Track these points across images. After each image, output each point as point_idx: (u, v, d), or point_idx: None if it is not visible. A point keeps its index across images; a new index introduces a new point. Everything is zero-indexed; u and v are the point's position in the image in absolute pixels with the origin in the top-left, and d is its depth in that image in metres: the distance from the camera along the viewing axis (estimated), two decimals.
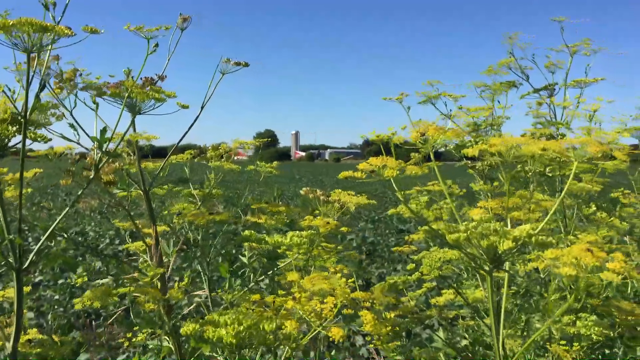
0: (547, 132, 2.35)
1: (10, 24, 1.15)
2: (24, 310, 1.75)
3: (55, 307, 5.49)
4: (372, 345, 1.41)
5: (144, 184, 1.84)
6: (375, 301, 1.27)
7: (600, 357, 1.96)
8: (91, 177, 1.45)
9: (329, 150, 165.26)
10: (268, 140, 2.84)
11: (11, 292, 1.55)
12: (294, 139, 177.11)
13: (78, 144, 1.50)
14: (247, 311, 1.25)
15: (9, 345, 1.32)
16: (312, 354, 3.30)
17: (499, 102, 2.46)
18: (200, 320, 1.12)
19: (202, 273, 2.13)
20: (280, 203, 2.17)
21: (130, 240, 2.17)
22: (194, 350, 1.77)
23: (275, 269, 1.82)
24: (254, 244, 1.61)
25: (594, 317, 1.64)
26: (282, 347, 1.17)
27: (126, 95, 1.45)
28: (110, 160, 1.54)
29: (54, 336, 1.59)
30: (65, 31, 1.21)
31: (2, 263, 1.28)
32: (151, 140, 1.95)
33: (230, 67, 1.69)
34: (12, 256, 1.28)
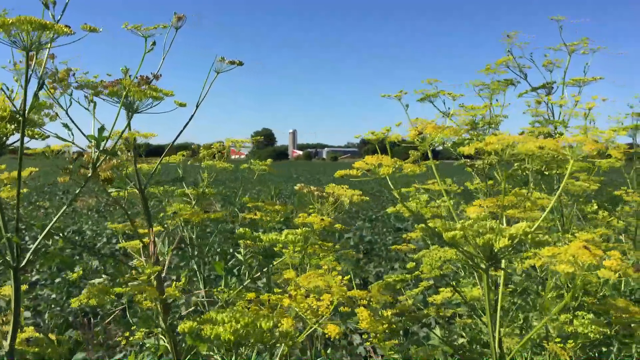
0: (545, 130, 2.35)
1: (10, 22, 1.15)
2: (21, 309, 1.75)
3: (52, 306, 5.48)
4: (369, 344, 1.41)
5: (140, 183, 1.84)
6: (372, 299, 1.27)
7: (596, 354, 1.97)
8: (89, 175, 1.45)
9: (326, 149, 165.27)
10: (261, 138, 2.84)
11: (8, 290, 1.55)
12: (291, 137, 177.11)
13: (73, 143, 1.50)
14: (244, 309, 1.25)
15: (6, 344, 1.32)
16: (308, 353, 3.30)
17: (497, 100, 2.46)
18: (198, 319, 1.12)
19: (197, 272, 2.14)
20: (277, 202, 2.17)
21: (123, 240, 2.16)
22: (190, 349, 1.77)
23: (271, 267, 1.82)
24: (249, 241, 1.61)
25: (591, 316, 1.64)
26: (278, 345, 1.17)
27: (124, 93, 1.45)
28: (108, 157, 1.54)
29: (50, 335, 1.59)
30: (65, 30, 1.21)
31: (0, 262, 1.28)
32: (149, 138, 1.95)
33: (225, 66, 1.69)
34: (9, 255, 1.28)
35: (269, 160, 2.43)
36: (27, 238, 8.13)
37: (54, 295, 5.82)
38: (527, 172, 2.19)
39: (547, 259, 0.86)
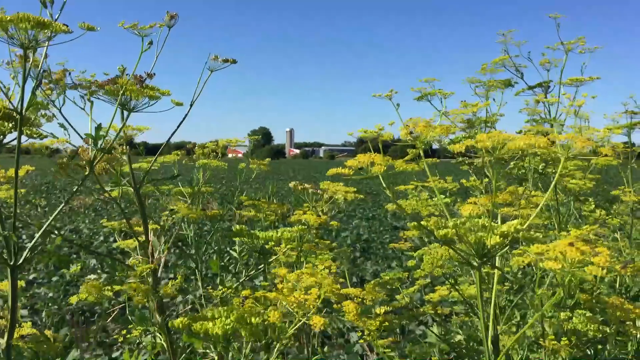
0: (541, 129, 2.36)
1: (8, 19, 1.15)
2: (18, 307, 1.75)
3: (50, 304, 5.48)
4: (362, 341, 1.42)
5: (135, 181, 1.84)
6: (365, 297, 1.28)
7: (592, 352, 1.98)
8: (86, 173, 1.45)
9: (323, 147, 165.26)
10: (259, 137, 2.85)
11: (3, 286, 1.55)
12: (288, 136, 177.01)
13: (69, 143, 1.50)
14: (238, 306, 1.26)
15: (2, 341, 1.32)
16: (305, 350, 3.31)
17: (494, 99, 2.47)
18: (190, 315, 1.13)
19: (195, 270, 2.14)
20: (275, 200, 2.18)
21: (120, 238, 2.17)
22: (186, 347, 1.78)
23: (268, 264, 1.83)
24: (245, 239, 1.62)
25: (588, 314, 1.65)
26: (270, 341, 1.18)
27: (121, 93, 1.45)
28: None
29: (46, 332, 1.59)
30: (62, 27, 1.22)
31: None
32: (143, 132, 1.95)
33: (219, 65, 1.69)
34: (6, 252, 1.29)
35: (267, 160, 2.44)
36: (24, 236, 8.13)
37: (51, 294, 5.82)
38: (524, 170, 2.20)
39: (535, 257, 0.87)
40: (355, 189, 1.79)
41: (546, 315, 1.73)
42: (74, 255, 7.22)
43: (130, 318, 1.82)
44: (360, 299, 1.26)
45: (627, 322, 1.49)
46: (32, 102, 1.29)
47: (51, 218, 1.40)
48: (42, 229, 1.38)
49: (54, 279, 6.37)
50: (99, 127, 1.44)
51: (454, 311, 2.42)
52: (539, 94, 2.58)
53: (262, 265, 1.84)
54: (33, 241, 1.35)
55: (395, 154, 1.49)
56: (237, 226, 1.61)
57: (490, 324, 1.13)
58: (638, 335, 1.86)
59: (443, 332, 2.26)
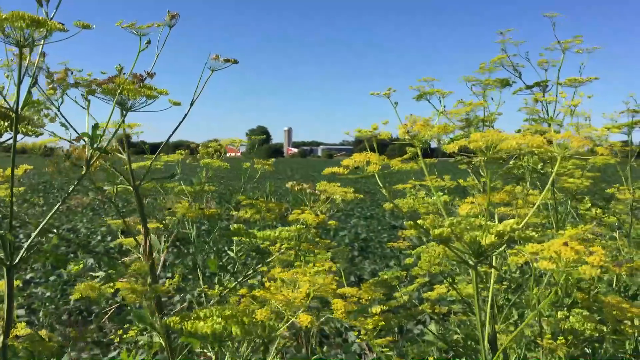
0: (539, 128, 2.36)
1: (3, 17, 1.15)
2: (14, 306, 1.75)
3: (47, 304, 5.47)
4: (360, 340, 1.42)
5: (133, 180, 1.84)
6: (362, 296, 1.28)
7: (590, 350, 1.98)
8: (83, 173, 1.45)
9: (321, 146, 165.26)
10: (262, 137, 2.86)
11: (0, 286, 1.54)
12: (286, 135, 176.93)
13: (69, 141, 1.50)
14: (233, 305, 1.26)
15: None
16: (304, 350, 3.31)
17: (492, 98, 2.47)
18: (184, 314, 1.13)
19: (197, 269, 2.14)
20: (273, 200, 2.18)
21: (122, 236, 2.17)
22: (184, 346, 1.77)
23: (267, 263, 1.83)
24: (243, 238, 1.62)
25: (586, 313, 1.65)
26: (267, 340, 1.18)
27: (118, 92, 1.45)
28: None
29: (42, 331, 1.59)
30: (58, 26, 1.21)
31: None
32: (134, 128, 1.95)
33: (220, 64, 1.68)
34: (2, 252, 1.28)
35: (271, 160, 2.46)
36: (21, 235, 8.11)
37: (48, 294, 5.81)
38: (522, 169, 2.20)
39: (530, 256, 0.87)
40: (354, 189, 1.79)
41: (544, 314, 1.73)
42: (72, 255, 7.21)
43: (128, 317, 1.82)
44: (356, 299, 1.25)
45: (624, 321, 1.49)
46: (27, 101, 1.28)
47: (48, 217, 1.39)
48: (39, 228, 1.38)
49: (52, 278, 6.36)
50: (95, 126, 1.44)
51: (452, 310, 2.42)
52: (536, 93, 2.58)
53: (261, 264, 1.84)
54: (29, 240, 1.34)
55: (394, 152, 1.49)
56: (235, 225, 1.61)
57: (488, 322, 1.13)
58: (635, 334, 1.86)
59: (441, 331, 2.26)
